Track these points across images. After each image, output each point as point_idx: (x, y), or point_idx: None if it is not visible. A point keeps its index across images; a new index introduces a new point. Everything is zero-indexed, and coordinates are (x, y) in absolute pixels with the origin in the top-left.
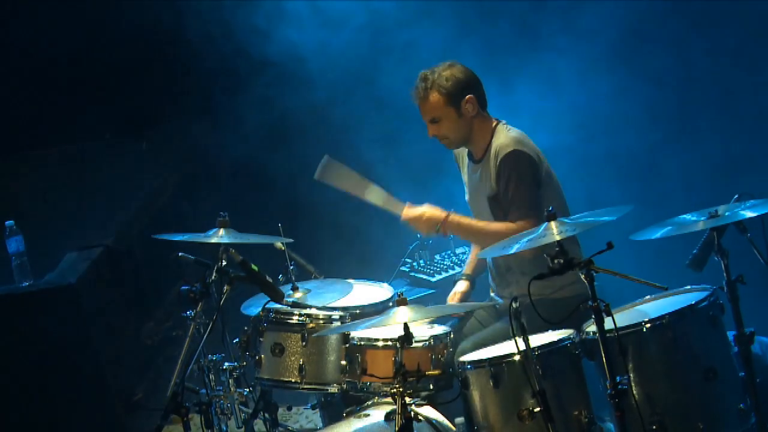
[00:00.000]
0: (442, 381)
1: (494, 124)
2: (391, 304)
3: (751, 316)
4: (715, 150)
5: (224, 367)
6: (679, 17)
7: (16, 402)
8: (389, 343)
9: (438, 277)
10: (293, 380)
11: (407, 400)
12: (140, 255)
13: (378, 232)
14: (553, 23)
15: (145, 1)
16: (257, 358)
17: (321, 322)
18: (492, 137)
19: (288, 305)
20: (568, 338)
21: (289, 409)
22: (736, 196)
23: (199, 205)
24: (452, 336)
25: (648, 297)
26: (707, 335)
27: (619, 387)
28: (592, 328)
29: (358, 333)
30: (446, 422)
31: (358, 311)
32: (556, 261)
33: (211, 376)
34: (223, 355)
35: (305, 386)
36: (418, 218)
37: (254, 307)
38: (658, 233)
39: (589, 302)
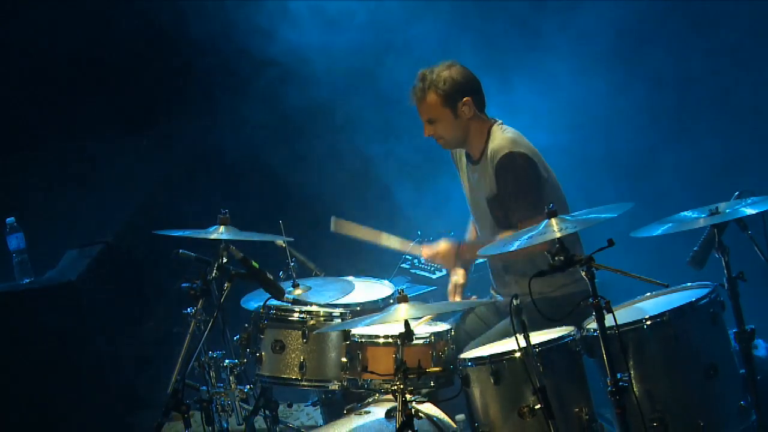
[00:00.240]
0: (442, 378)
1: (490, 125)
2: (391, 301)
3: (752, 313)
4: (712, 149)
5: (225, 364)
6: (677, 17)
7: (17, 399)
8: (390, 340)
9: (438, 274)
10: (294, 377)
11: (408, 397)
12: (140, 252)
13: (379, 229)
14: (551, 23)
15: None
16: (258, 355)
17: (322, 319)
18: (488, 138)
19: (289, 302)
20: (568, 335)
21: (290, 406)
22: (737, 193)
23: (199, 203)
24: (453, 333)
25: (649, 294)
26: (708, 332)
27: (620, 384)
28: (592, 325)
29: (358, 330)
30: (447, 419)
31: (358, 308)
32: (556, 258)
33: (212, 373)
34: (223, 352)
35: (306, 383)
36: (437, 255)
37: (254, 301)
38: (659, 230)
39: (590, 299)
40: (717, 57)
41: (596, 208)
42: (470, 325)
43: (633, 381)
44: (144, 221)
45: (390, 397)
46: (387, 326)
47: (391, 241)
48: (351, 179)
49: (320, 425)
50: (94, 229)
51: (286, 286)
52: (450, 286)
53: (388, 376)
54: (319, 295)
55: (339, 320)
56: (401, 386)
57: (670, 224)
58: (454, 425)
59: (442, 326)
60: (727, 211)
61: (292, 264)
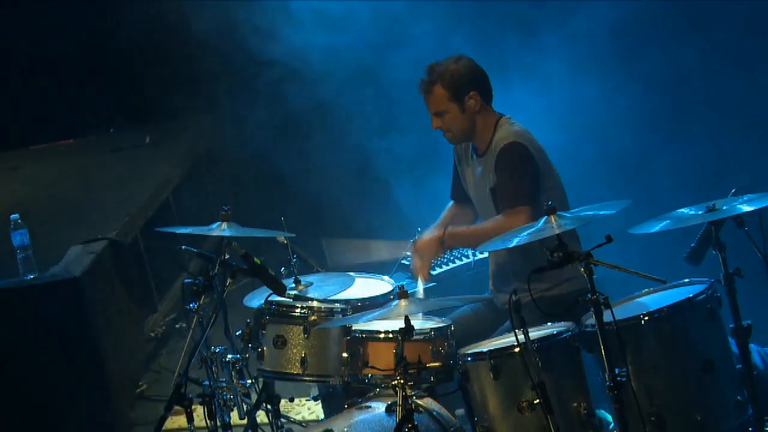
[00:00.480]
0: (442, 373)
1: (498, 119)
2: (392, 297)
3: (749, 309)
4: (707, 148)
5: (227, 359)
6: (671, 17)
7: (19, 394)
8: (390, 335)
9: (438, 270)
10: (295, 372)
11: (408, 391)
12: (144, 248)
13: (379, 226)
14: (547, 22)
15: None
16: (260, 350)
17: (323, 314)
18: (495, 132)
19: (290, 298)
20: (567, 331)
21: (292, 400)
22: (734, 190)
23: (202, 200)
24: (453, 328)
25: (646, 290)
26: (705, 328)
27: (618, 379)
28: (591, 320)
29: (359, 325)
30: (447, 414)
31: (359, 304)
32: (555, 254)
33: (214, 368)
34: (226, 347)
35: (307, 378)
36: (420, 249)
37: (257, 299)
38: (657, 227)
39: (588, 295)
40: (711, 56)
41: (594, 205)
42: (468, 321)
43: (631, 376)
44: (147, 218)
45: (390, 391)
46: (387, 322)
47: (382, 252)
48: (351, 176)
49: (321, 419)
50: (97, 225)
51: (288, 282)
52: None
53: (388, 371)
54: (320, 291)
55: (340, 316)
56: (401, 381)
57: (668, 221)
58: (454, 420)
59: (442, 322)
60: (724, 208)
61: (293, 260)
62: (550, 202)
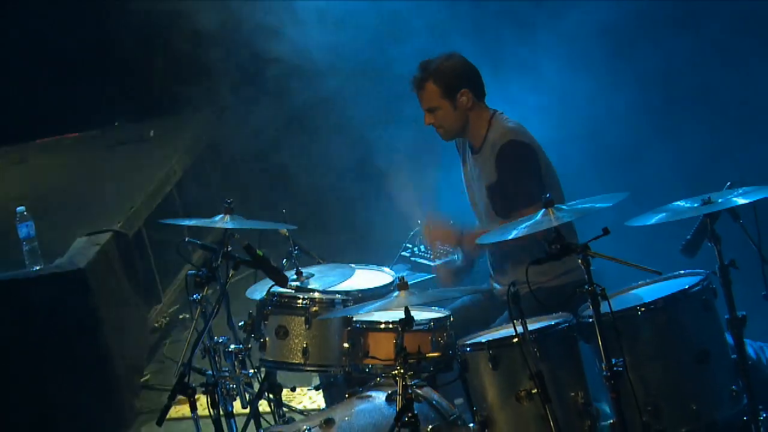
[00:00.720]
0: (442, 363)
1: (491, 114)
2: (392, 288)
3: (743, 300)
4: (699, 143)
5: (230, 349)
6: (663, 15)
7: (25, 382)
8: (390, 326)
9: (438, 262)
10: (297, 362)
11: (408, 381)
12: (148, 240)
13: (380, 218)
14: (541, 19)
15: None
16: (262, 340)
17: (324, 305)
18: (489, 128)
19: (292, 289)
20: (564, 322)
21: (293, 390)
22: (729, 183)
23: (205, 192)
24: (452, 319)
25: (642, 282)
26: (700, 319)
27: (615, 369)
28: (588, 311)
29: (360, 316)
30: (446, 403)
31: (360, 295)
32: (553, 246)
33: (218, 358)
34: (228, 337)
35: (309, 368)
36: (435, 238)
37: (259, 292)
38: (653, 219)
39: (586, 286)
40: (702, 52)
41: (591, 198)
42: (467, 312)
43: (627, 366)
44: (151, 210)
45: (391, 381)
46: (388, 313)
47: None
48: (352, 170)
49: (323, 408)
50: (102, 217)
51: (290, 273)
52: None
53: (388, 361)
54: (322, 282)
55: (341, 307)
56: (401, 371)
57: (664, 213)
58: (453, 409)
59: (442, 313)
60: (720, 201)
61: (295, 252)
62: (548, 195)
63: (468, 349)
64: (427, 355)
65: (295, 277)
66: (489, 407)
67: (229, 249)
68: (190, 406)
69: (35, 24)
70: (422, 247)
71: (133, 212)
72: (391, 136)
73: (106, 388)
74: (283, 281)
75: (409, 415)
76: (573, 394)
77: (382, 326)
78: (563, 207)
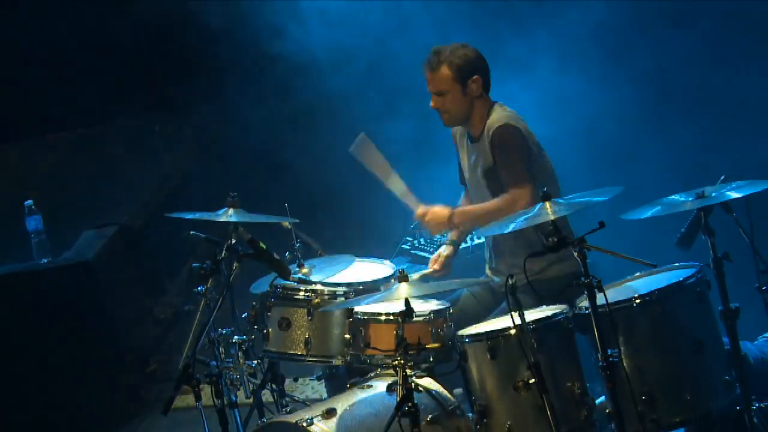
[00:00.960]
0: (441, 354)
1: (491, 105)
2: (392, 280)
3: (737, 292)
4: (689, 139)
5: (234, 341)
6: (655, 14)
7: (34, 373)
8: (391, 317)
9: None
10: (299, 353)
11: (408, 371)
12: (153, 233)
13: (380, 212)
14: (537, 17)
15: None
16: (265, 331)
17: (326, 297)
18: (488, 116)
19: (294, 281)
20: (561, 313)
21: (296, 380)
22: (722, 177)
23: (209, 186)
24: (451, 310)
25: (638, 274)
26: (694, 310)
27: (611, 360)
28: (584, 303)
29: (361, 308)
30: (445, 393)
31: (361, 287)
32: (550, 239)
33: (222, 349)
34: (232, 328)
35: (311, 359)
36: (428, 215)
37: (263, 287)
38: (648, 213)
39: (582, 279)
40: (694, 50)
41: (587, 192)
42: (465, 303)
43: (623, 357)
44: (157, 204)
45: (391, 371)
46: (388, 304)
47: (397, 186)
48: (353, 165)
49: (325, 398)
50: (109, 211)
51: (292, 266)
52: (434, 254)
53: (389, 352)
54: (323, 274)
55: (342, 299)
56: (402, 361)
57: (659, 207)
58: (453, 399)
59: (441, 304)
60: (713, 194)
61: (297, 245)
62: (545, 189)
63: (467, 339)
64: (426, 346)
65: (297, 269)
66: (487, 397)
67: (233, 242)
68: (195, 396)
69: (42, 21)
70: (422, 240)
71: (139, 206)
72: (391, 130)
73: (112, 378)
74: (285, 273)
75: (409, 404)
76: (570, 384)
77: (383, 318)
78: (560, 201)
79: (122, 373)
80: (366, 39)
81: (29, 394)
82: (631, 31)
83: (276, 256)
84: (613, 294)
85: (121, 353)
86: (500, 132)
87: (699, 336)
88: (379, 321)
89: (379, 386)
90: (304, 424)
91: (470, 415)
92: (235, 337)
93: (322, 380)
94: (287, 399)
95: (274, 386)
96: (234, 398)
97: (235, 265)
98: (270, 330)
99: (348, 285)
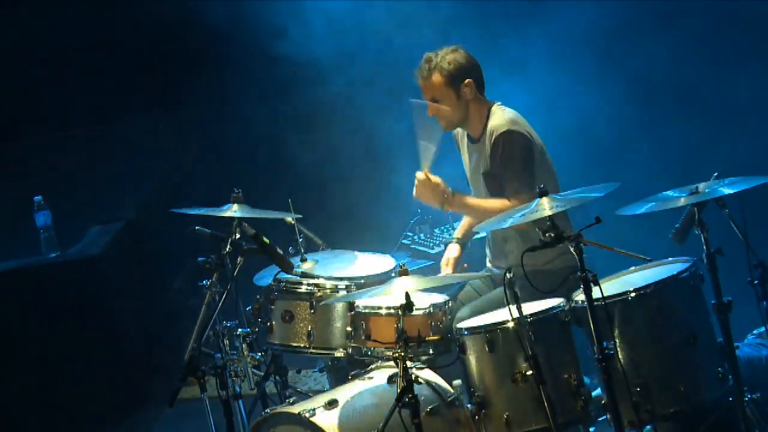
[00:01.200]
0: (440, 346)
1: (490, 106)
2: (393, 274)
3: (729, 286)
4: (679, 138)
5: (238, 333)
6: (646, 14)
7: (40, 366)
8: (392, 310)
9: (437, 249)
10: (302, 345)
11: (408, 363)
12: (158, 229)
13: (382, 207)
14: (529, 17)
15: None
16: (269, 324)
17: (328, 291)
18: (488, 118)
19: (297, 275)
20: (558, 306)
21: (299, 372)
22: (716, 174)
23: (214, 183)
24: (450, 304)
25: (633, 268)
26: (688, 303)
27: (606, 352)
28: (581, 297)
29: (362, 301)
30: (445, 384)
31: (362, 281)
32: (547, 234)
33: (226, 342)
34: (236, 321)
35: (313, 351)
36: (431, 184)
37: (266, 278)
38: (643, 208)
39: (578, 273)
40: (685, 49)
41: (583, 188)
42: (465, 296)
43: (618, 349)
44: (162, 200)
45: (392, 363)
46: (389, 298)
47: (427, 153)
48: (355, 162)
49: (327, 389)
50: (115, 207)
51: (295, 260)
52: (443, 259)
53: (389, 345)
54: (326, 269)
55: (344, 292)
56: (402, 354)
57: (654, 203)
58: (452, 390)
59: (440, 298)
60: (707, 190)
61: (300, 240)
62: (543, 186)
63: (466, 332)
64: (426, 338)
65: (300, 263)
66: (486, 388)
67: (237, 237)
68: (200, 388)
69: (50, 20)
70: (422, 236)
71: (144, 202)
72: (393, 129)
73: (119, 371)
74: (288, 268)
75: (410, 396)
76: (566, 375)
77: (384, 311)
78: (557, 197)
79: (128, 366)
80: (370, 37)
81: (35, 387)
82: (623, 31)
83: (279, 250)
84: (609, 287)
85: (127, 346)
86: (504, 139)
87: (692, 329)
88: (380, 314)
89: (380, 378)
90: (307, 415)
91: (469, 406)
92: (240, 329)
93: (324, 372)
94: (290, 390)
95: (277, 378)
96: (238, 389)
97: (239, 259)
98: (273, 323)
99: (350, 279)
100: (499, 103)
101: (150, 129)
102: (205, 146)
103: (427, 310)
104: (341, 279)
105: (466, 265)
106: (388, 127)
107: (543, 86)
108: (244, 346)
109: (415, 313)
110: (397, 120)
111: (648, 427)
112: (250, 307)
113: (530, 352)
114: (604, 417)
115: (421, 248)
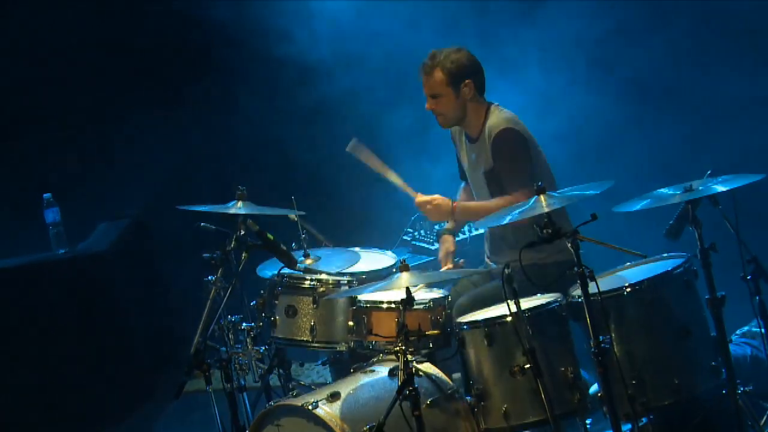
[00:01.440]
0: (440, 340)
1: (488, 106)
2: (394, 270)
3: (723, 281)
4: (670, 138)
5: (242, 327)
6: (639, 14)
7: (49, 360)
8: (393, 305)
9: (437, 245)
10: (305, 339)
11: (409, 357)
12: (165, 225)
13: (383, 204)
14: (522, 17)
15: None
16: (272, 319)
17: (330, 286)
18: (486, 118)
19: (300, 271)
20: (555, 301)
21: (302, 365)
22: (709, 171)
23: (219, 180)
24: (450, 299)
25: (628, 264)
26: (682, 298)
27: (602, 346)
28: (577, 292)
29: (364, 296)
30: (444, 377)
31: (364, 276)
32: (545, 231)
33: (231, 336)
34: (241, 316)
35: (316, 344)
36: (429, 203)
37: (269, 269)
38: (638, 206)
39: (575, 268)
40: (675, 50)
41: (579, 186)
42: (463, 290)
43: (614, 343)
44: (168, 197)
45: (393, 357)
46: (390, 293)
47: (394, 178)
48: (356, 162)
49: (329, 382)
50: (123, 204)
51: (298, 256)
52: (441, 254)
53: (390, 338)
54: (328, 265)
55: (346, 287)
56: (403, 347)
57: (649, 200)
58: (451, 383)
59: (440, 293)
60: (700, 188)
61: (303, 236)
62: (540, 183)
63: (465, 327)
64: (426, 332)
65: (303, 259)
66: (485, 381)
67: (241, 233)
68: (205, 381)
69: (56, 19)
70: (422, 232)
71: (151, 199)
72: (394, 128)
73: (125, 364)
74: (292, 263)
75: (410, 388)
76: (563, 369)
77: (385, 306)
78: (554, 194)
79: (135, 360)
80: (371, 36)
81: (43, 381)
82: (615, 33)
83: (283, 246)
84: (605, 283)
85: (133, 341)
86: (502, 136)
87: (686, 323)
88: (381, 309)
89: (382, 371)
90: (310, 407)
91: (468, 398)
92: (244, 324)
93: (327, 365)
94: (293, 383)
95: (281, 371)
96: (243, 382)
97: (243, 255)
98: (277, 317)
99: (352, 274)
100: (497, 104)
101: (156, 128)
102: (211, 145)
103: (428, 305)
104: (344, 274)
105: (462, 261)
106: (390, 126)
107: (535, 86)
108: (248, 340)
109: (415, 307)
110: (399, 120)
111: (644, 419)
112: (254, 302)
113: (528, 346)
114: (602, 410)
115: (422, 244)
